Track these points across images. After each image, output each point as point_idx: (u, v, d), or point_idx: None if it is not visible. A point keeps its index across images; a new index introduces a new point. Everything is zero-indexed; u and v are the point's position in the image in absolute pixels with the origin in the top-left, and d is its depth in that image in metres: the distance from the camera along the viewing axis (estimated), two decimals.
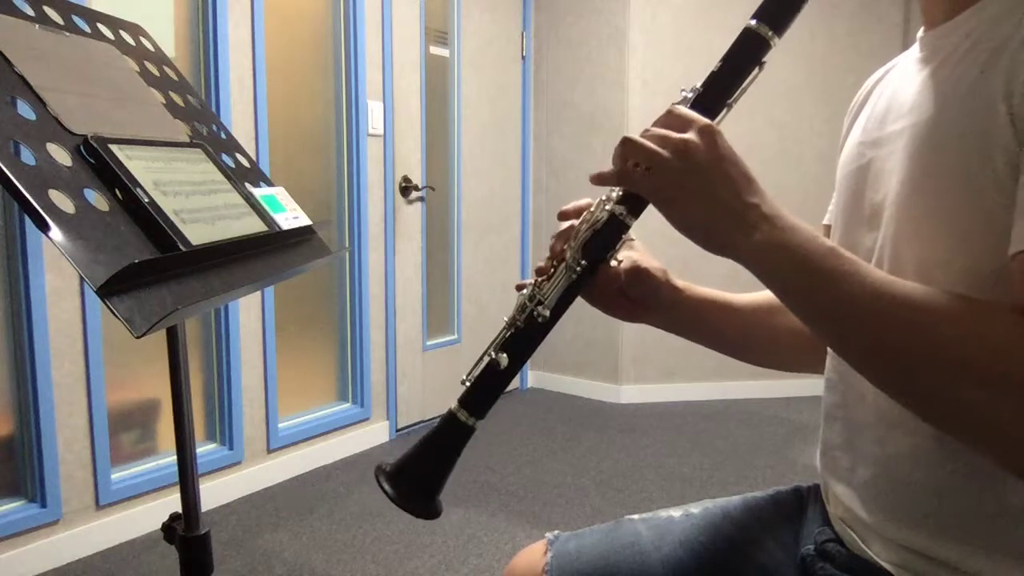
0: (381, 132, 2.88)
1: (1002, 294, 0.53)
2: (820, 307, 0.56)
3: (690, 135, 0.59)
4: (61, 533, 1.97)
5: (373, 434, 2.96)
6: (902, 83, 0.69)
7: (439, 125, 3.27)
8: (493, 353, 0.68)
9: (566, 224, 0.73)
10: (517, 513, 2.31)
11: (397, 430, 3.07)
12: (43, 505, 1.93)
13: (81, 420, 2.00)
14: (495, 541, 2.12)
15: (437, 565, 1.99)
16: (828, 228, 0.82)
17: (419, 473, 0.68)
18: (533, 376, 3.85)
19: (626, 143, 0.61)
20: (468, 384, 0.69)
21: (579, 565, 0.81)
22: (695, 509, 0.86)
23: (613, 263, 0.71)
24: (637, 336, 3.54)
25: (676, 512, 0.86)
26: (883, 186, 0.67)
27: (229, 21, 2.30)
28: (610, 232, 0.66)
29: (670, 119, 0.61)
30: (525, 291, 0.69)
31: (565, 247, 0.69)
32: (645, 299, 0.79)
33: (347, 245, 2.84)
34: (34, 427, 1.91)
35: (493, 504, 2.36)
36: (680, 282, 0.82)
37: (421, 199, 3.12)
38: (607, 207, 0.66)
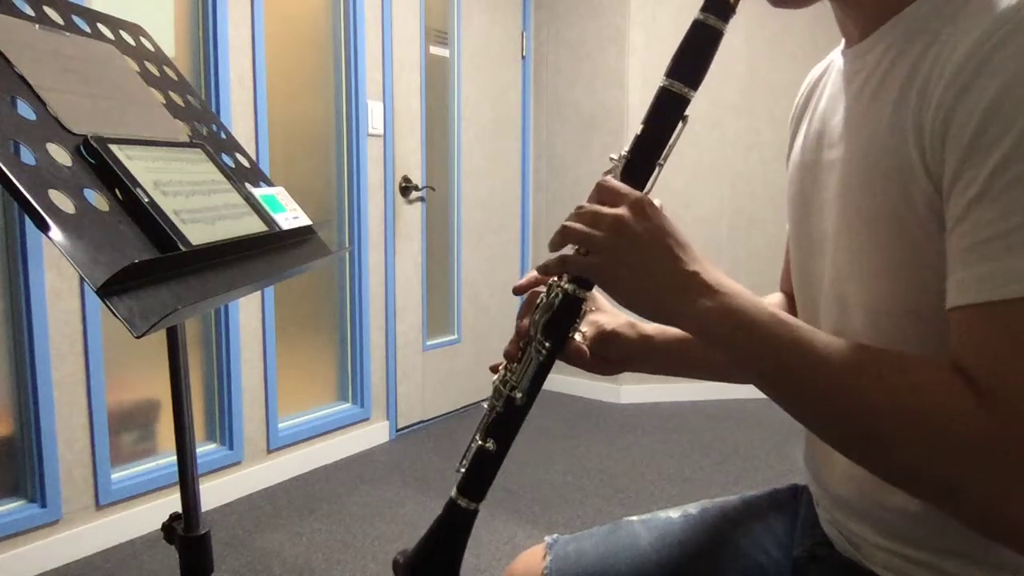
0: (381, 132, 2.88)
1: (946, 339, 0.52)
2: (765, 373, 0.56)
3: (621, 210, 0.59)
4: (61, 533, 1.97)
5: (373, 434, 2.96)
6: (831, 103, 0.69)
7: (439, 125, 3.26)
8: (480, 440, 0.69)
9: (526, 296, 0.74)
10: (517, 513, 2.31)
11: (397, 430, 3.07)
12: (43, 505, 1.93)
13: (81, 420, 2.00)
14: (495, 541, 2.12)
15: None
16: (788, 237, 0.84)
17: (434, 564, 0.71)
18: None
19: (563, 230, 0.61)
20: (462, 472, 0.71)
21: (578, 568, 0.81)
22: (693, 510, 0.86)
23: (577, 336, 0.73)
24: None
25: (675, 513, 0.86)
26: (822, 219, 0.67)
27: (229, 21, 2.30)
28: (567, 310, 0.67)
29: (601, 194, 0.61)
30: (498, 376, 0.70)
31: (528, 329, 0.69)
32: (619, 356, 0.80)
33: (347, 245, 2.84)
34: (34, 427, 1.91)
35: (493, 504, 2.36)
36: (650, 328, 0.81)
37: (421, 199, 3.12)
38: (560, 285, 0.66)
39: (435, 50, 3.19)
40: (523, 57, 3.68)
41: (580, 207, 0.62)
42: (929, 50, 0.55)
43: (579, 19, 3.59)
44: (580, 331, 0.75)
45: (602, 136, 3.54)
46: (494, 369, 0.72)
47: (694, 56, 0.63)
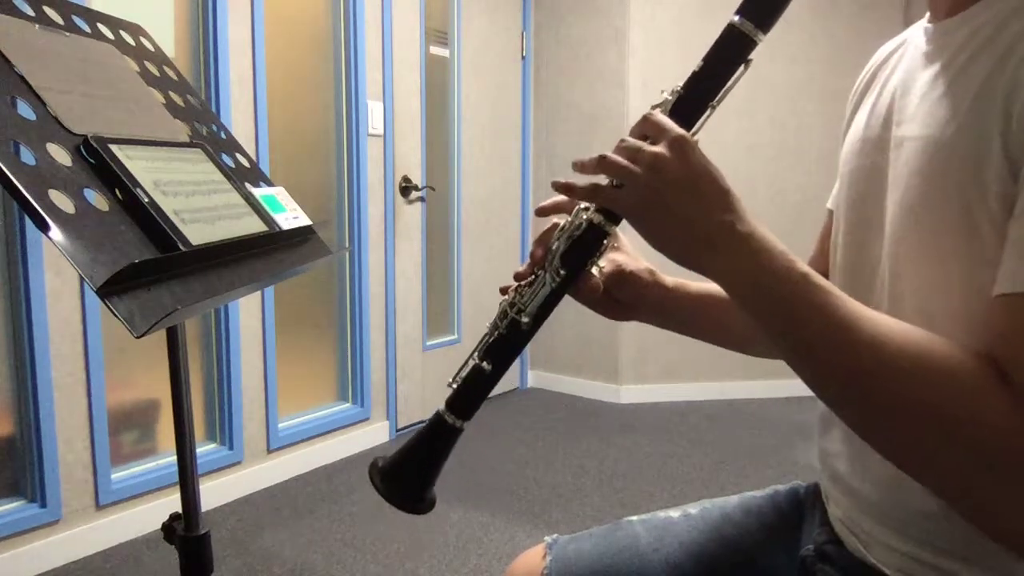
0: (381, 132, 2.88)
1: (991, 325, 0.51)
2: (788, 337, 0.54)
3: (661, 148, 0.56)
4: (61, 533, 1.97)
5: (373, 434, 2.96)
6: (906, 79, 0.66)
7: (439, 125, 3.26)
8: (477, 358, 0.68)
9: (547, 223, 0.71)
10: (517, 513, 2.31)
11: (397, 430, 3.07)
12: (43, 505, 1.93)
13: (81, 420, 2.00)
14: (495, 541, 2.12)
15: (437, 565, 1.99)
16: (831, 212, 0.81)
17: (409, 472, 0.71)
18: (533, 376, 3.85)
19: (601, 161, 0.59)
20: (454, 387, 0.70)
21: (578, 568, 0.81)
22: (693, 510, 0.86)
23: (595, 270, 0.70)
24: (637, 336, 3.54)
25: (675, 513, 0.86)
26: (886, 197, 0.65)
27: (229, 21, 2.30)
28: (589, 241, 0.65)
29: (645, 127, 0.59)
30: (507, 297, 0.69)
31: (546, 254, 0.67)
32: (632, 300, 0.78)
33: (347, 245, 2.83)
34: (34, 427, 1.91)
35: (493, 504, 2.36)
36: (670, 280, 0.80)
37: (421, 199, 3.12)
38: (585, 214, 0.65)
39: (435, 50, 3.19)
40: (523, 57, 3.68)
41: (623, 140, 0.59)
42: None
43: (579, 19, 3.59)
44: (598, 266, 0.72)
45: (602, 136, 3.54)
46: (503, 291, 0.71)
47: None
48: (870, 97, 0.73)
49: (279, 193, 1.06)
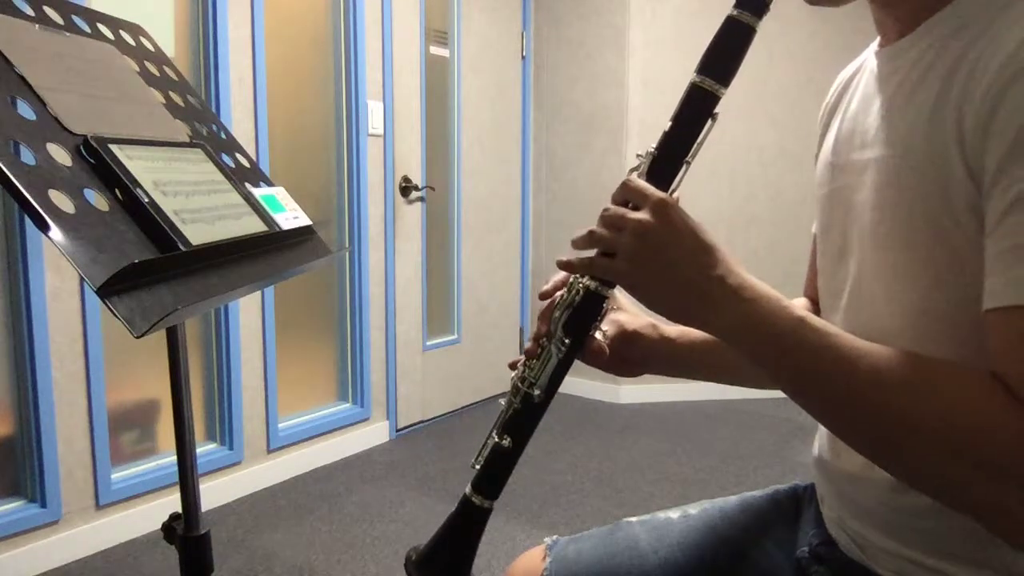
0: (381, 132, 2.88)
1: (985, 342, 0.51)
2: (792, 381, 0.56)
3: (644, 215, 0.58)
4: (61, 533, 1.97)
5: (373, 434, 2.96)
6: (865, 103, 0.68)
7: (439, 125, 3.26)
8: (496, 437, 0.69)
9: (547, 303, 0.73)
10: (517, 513, 2.31)
11: (397, 430, 3.07)
12: (43, 505, 1.93)
13: (81, 420, 2.00)
14: (495, 541, 2.12)
15: None
16: (815, 237, 0.82)
17: (446, 561, 0.71)
18: None
19: (590, 236, 0.61)
20: (478, 468, 0.70)
21: (578, 569, 0.81)
22: (693, 510, 0.86)
23: (598, 335, 0.72)
24: None
25: (674, 514, 0.86)
26: (853, 221, 0.66)
27: (229, 21, 2.30)
28: (589, 308, 0.67)
29: (625, 192, 0.61)
30: (516, 372, 0.70)
31: (549, 327, 0.69)
32: (640, 356, 0.80)
33: (347, 245, 2.84)
34: (34, 427, 1.91)
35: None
36: (672, 330, 0.82)
37: (421, 199, 3.12)
38: (582, 282, 0.66)
39: (435, 50, 3.19)
40: (523, 57, 3.68)
41: (607, 209, 0.61)
42: (976, 43, 0.53)
43: (579, 19, 3.59)
44: (601, 329, 0.74)
45: (602, 136, 3.54)
46: (512, 366, 0.72)
47: (726, 53, 0.62)
48: (835, 122, 0.75)
49: (279, 193, 1.06)
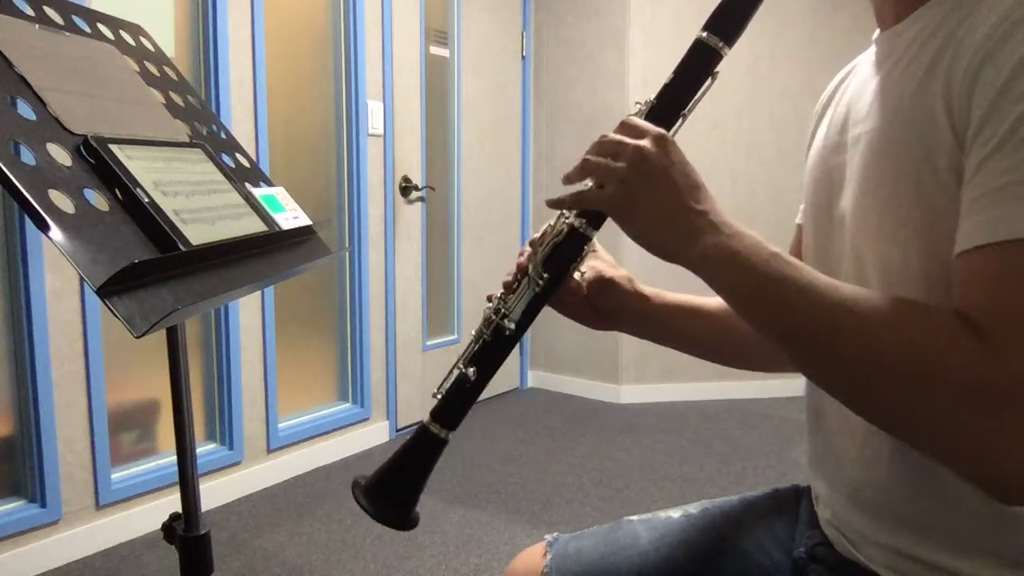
0: (381, 132, 2.88)
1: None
2: (763, 311, 0.57)
3: (644, 142, 0.60)
4: (61, 533, 1.97)
5: (373, 434, 2.96)
6: (860, 87, 0.69)
7: (439, 125, 3.27)
8: (462, 366, 0.69)
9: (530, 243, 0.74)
10: (517, 513, 2.31)
11: (397, 430, 3.07)
12: (43, 505, 1.93)
13: (81, 420, 2.00)
14: (495, 541, 2.12)
15: (437, 565, 1.99)
16: (799, 228, 0.83)
17: (394, 487, 0.70)
18: (533, 376, 3.84)
19: (584, 164, 0.62)
20: (439, 397, 0.70)
21: (578, 567, 0.81)
22: (694, 510, 0.86)
23: (576, 275, 0.73)
24: None
25: (675, 513, 0.86)
26: (845, 193, 0.67)
27: (229, 21, 2.30)
28: (571, 245, 0.67)
29: (624, 129, 0.62)
30: (491, 304, 0.70)
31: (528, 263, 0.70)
32: (612, 309, 0.81)
33: (347, 245, 2.84)
34: (34, 427, 1.91)
35: (493, 504, 2.36)
36: (648, 289, 0.83)
37: (421, 199, 3.12)
38: (567, 220, 0.67)
39: (435, 50, 3.19)
40: (523, 57, 3.68)
41: (603, 136, 0.62)
42: (965, 21, 0.55)
43: (579, 19, 3.59)
44: (580, 271, 0.75)
45: None
46: (490, 298, 0.72)
47: (735, 11, 0.63)
48: (828, 111, 0.76)
49: (279, 193, 1.06)
